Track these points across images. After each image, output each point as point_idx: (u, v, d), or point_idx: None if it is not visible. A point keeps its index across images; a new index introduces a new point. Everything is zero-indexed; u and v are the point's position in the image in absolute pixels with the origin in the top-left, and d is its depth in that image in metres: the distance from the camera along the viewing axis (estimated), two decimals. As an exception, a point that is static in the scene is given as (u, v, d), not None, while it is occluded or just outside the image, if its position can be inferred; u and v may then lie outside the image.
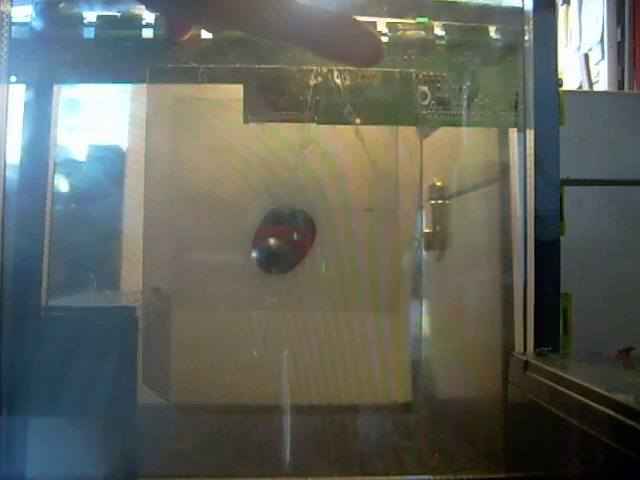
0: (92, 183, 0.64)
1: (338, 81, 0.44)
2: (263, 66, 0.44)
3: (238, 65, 0.44)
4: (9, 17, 0.42)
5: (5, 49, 0.41)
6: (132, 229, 0.65)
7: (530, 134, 0.44)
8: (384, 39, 0.45)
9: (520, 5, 0.46)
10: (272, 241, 0.62)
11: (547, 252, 0.44)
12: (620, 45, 1.15)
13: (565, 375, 0.33)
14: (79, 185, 0.63)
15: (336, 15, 0.29)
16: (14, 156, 0.44)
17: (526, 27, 0.45)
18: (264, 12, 0.28)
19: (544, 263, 0.43)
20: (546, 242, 0.43)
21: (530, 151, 0.44)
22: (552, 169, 0.44)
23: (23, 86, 0.45)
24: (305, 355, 0.63)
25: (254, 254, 0.63)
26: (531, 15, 0.45)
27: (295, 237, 0.64)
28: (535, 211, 0.44)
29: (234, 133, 0.61)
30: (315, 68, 0.45)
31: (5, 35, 0.41)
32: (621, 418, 0.25)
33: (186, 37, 0.32)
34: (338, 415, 0.61)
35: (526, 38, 0.45)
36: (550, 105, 0.44)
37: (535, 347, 0.42)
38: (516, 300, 0.45)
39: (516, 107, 0.46)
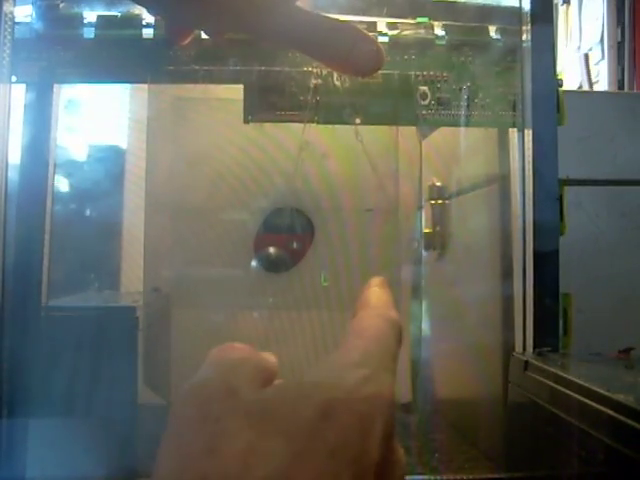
0: (92, 183, 0.65)
1: (338, 81, 0.44)
2: (263, 68, 0.44)
3: (238, 67, 0.44)
4: (12, 18, 0.42)
5: (8, 50, 0.41)
6: (133, 229, 0.65)
7: (528, 134, 0.44)
8: (384, 39, 0.45)
9: (517, 5, 0.46)
10: (271, 249, 0.62)
11: (546, 252, 0.44)
12: (620, 45, 1.15)
13: (565, 375, 0.33)
14: (79, 185, 0.63)
15: (337, 22, 0.29)
16: (14, 156, 0.44)
17: (524, 27, 0.45)
18: (266, 16, 0.28)
19: (543, 263, 0.43)
20: (545, 242, 0.43)
21: (528, 152, 0.44)
22: (550, 169, 0.43)
23: (23, 86, 0.45)
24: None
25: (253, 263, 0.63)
26: (529, 15, 0.45)
27: (293, 239, 0.64)
28: (534, 211, 0.44)
29: (234, 133, 0.61)
30: (315, 70, 0.45)
31: (8, 36, 0.41)
32: (621, 418, 0.25)
33: (187, 41, 0.32)
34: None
35: (524, 38, 0.45)
36: (548, 105, 0.44)
37: (535, 347, 0.42)
38: (516, 300, 0.45)
39: (514, 107, 0.46)
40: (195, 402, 0.22)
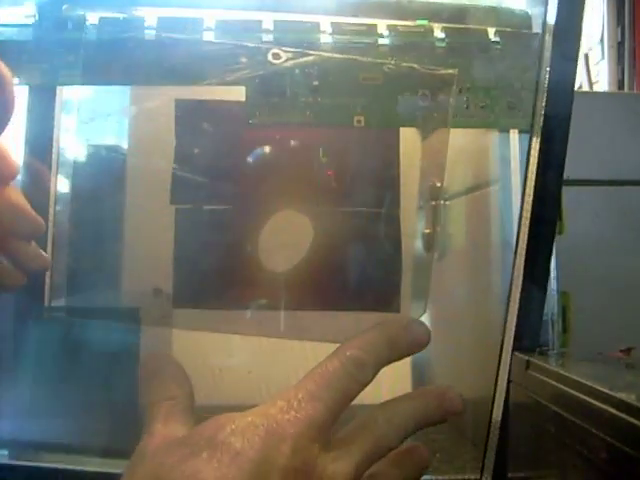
0: (94, 184, 0.65)
1: (339, 83, 0.45)
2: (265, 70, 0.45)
3: (239, 66, 0.44)
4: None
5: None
6: (134, 229, 0.65)
7: (538, 136, 0.43)
8: (385, 41, 0.46)
9: (534, 8, 0.45)
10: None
11: (546, 251, 0.44)
12: (620, 45, 1.15)
13: (567, 374, 0.33)
14: (81, 186, 0.63)
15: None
16: (17, 157, 0.44)
17: (547, 35, 0.43)
18: None
19: (543, 262, 0.44)
20: (544, 242, 0.44)
21: (535, 152, 0.43)
22: (556, 171, 0.43)
23: (26, 88, 0.45)
24: (305, 356, 0.63)
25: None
26: (553, 21, 0.43)
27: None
28: (535, 212, 0.44)
29: (233, 134, 0.61)
30: (316, 69, 0.45)
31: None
32: (623, 416, 0.26)
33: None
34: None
35: (545, 44, 0.43)
36: (562, 107, 0.43)
37: (536, 346, 0.43)
38: (517, 299, 0.45)
39: (515, 108, 0.46)
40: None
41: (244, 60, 0.44)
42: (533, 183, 0.43)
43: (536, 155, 0.43)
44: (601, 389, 0.28)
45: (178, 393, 0.32)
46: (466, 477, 0.47)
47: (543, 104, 0.42)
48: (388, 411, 0.31)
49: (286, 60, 0.44)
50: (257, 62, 0.44)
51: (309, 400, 0.28)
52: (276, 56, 0.44)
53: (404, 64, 0.46)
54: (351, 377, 0.29)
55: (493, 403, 0.43)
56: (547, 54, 0.42)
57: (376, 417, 0.30)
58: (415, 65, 0.46)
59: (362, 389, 0.30)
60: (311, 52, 0.44)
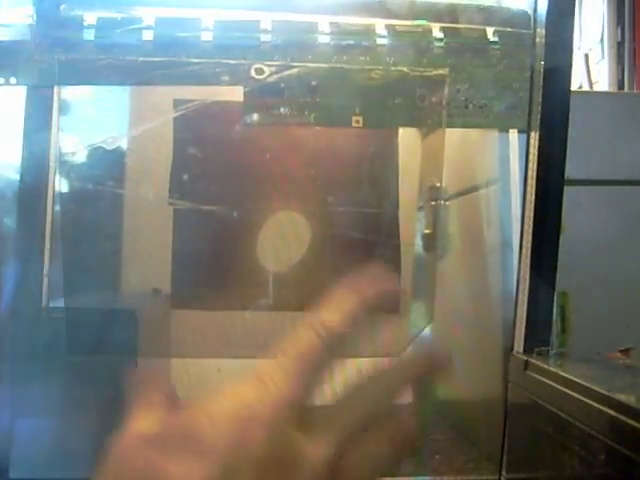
0: (93, 184, 0.65)
1: (338, 83, 0.45)
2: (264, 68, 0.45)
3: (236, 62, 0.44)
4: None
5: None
6: (133, 229, 0.65)
7: (536, 135, 0.43)
8: (384, 41, 0.45)
9: (531, 7, 0.45)
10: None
11: (546, 252, 0.44)
12: (620, 45, 1.15)
13: (566, 375, 0.33)
14: (80, 186, 0.63)
15: None
16: (15, 157, 0.44)
17: (539, 29, 0.43)
18: None
19: (544, 263, 0.43)
20: (545, 242, 0.43)
21: (534, 151, 0.43)
22: (557, 170, 0.43)
23: (24, 88, 0.45)
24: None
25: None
26: (544, 18, 0.43)
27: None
28: (537, 212, 0.43)
29: (232, 134, 0.61)
30: (314, 67, 0.45)
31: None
32: (622, 418, 0.26)
33: None
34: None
35: (537, 40, 0.43)
36: (560, 107, 0.42)
37: (535, 346, 0.43)
38: (516, 300, 0.45)
39: (515, 108, 0.46)
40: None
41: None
42: (534, 181, 0.43)
43: (535, 152, 0.43)
44: (600, 390, 0.28)
45: (158, 398, 0.31)
46: (466, 478, 0.47)
47: (539, 99, 0.42)
48: (374, 379, 0.29)
49: (270, 75, 0.43)
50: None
51: (282, 378, 0.27)
52: (259, 71, 0.44)
53: (402, 64, 0.46)
54: (327, 347, 0.28)
55: (492, 404, 0.43)
56: (541, 48, 0.42)
57: (362, 387, 0.29)
58: (411, 66, 0.46)
59: (339, 356, 0.28)
60: (295, 64, 0.44)
